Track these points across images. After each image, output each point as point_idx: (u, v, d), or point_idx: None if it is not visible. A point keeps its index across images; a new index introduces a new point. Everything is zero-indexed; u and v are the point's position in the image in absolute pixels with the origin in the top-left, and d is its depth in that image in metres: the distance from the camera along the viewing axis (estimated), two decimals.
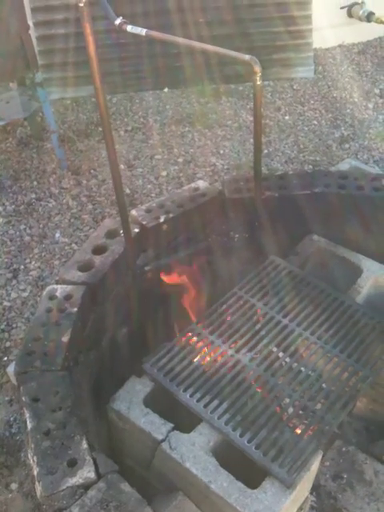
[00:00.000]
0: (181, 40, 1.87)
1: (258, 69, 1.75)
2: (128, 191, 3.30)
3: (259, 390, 1.77)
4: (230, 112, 3.97)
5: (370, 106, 4.07)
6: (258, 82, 1.80)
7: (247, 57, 1.75)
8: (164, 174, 3.44)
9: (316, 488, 1.83)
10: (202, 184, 2.35)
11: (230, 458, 1.63)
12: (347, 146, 3.65)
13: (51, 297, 1.88)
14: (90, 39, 1.51)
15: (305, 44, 4.38)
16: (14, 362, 1.73)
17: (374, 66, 4.52)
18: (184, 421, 1.72)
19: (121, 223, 1.88)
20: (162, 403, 1.77)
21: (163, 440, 1.65)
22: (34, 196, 3.29)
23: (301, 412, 1.73)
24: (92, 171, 3.46)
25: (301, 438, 1.64)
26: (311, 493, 1.81)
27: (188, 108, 4.02)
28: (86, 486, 1.41)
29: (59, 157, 3.43)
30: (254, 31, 4.22)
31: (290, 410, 1.73)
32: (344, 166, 3.24)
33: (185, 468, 1.59)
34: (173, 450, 1.63)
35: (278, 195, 2.26)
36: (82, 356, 1.83)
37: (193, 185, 2.35)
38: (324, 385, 1.80)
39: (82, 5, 1.45)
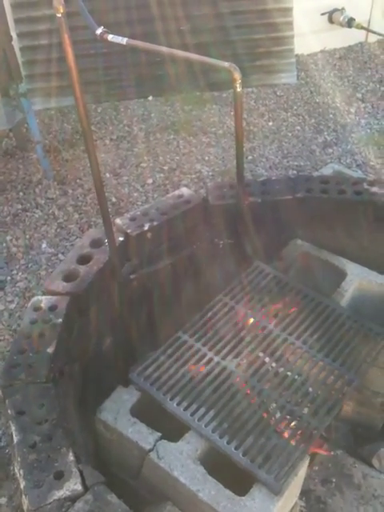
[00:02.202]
0: (161, 48, 1.88)
1: (237, 76, 1.76)
2: (114, 199, 3.30)
3: (246, 396, 1.77)
4: (214, 119, 4.00)
5: (352, 110, 4.11)
6: (238, 89, 1.81)
7: (226, 64, 1.76)
8: (150, 181, 3.45)
9: (305, 493, 1.83)
10: (185, 191, 2.36)
11: (218, 466, 1.63)
12: (330, 150, 3.68)
13: (36, 308, 1.87)
14: (69, 50, 1.51)
15: (287, 50, 4.42)
16: None
17: (356, 71, 4.57)
18: (172, 430, 1.71)
19: (105, 232, 1.87)
20: (150, 412, 1.76)
21: (151, 449, 1.65)
22: (20, 207, 3.28)
23: (287, 417, 1.73)
24: (78, 180, 3.46)
25: (288, 444, 1.64)
26: (300, 498, 1.81)
27: (172, 116, 4.04)
28: (73, 499, 1.40)
29: (44, 167, 3.43)
30: (237, 38, 4.25)
31: (277, 415, 1.73)
32: (327, 170, 3.27)
33: (173, 477, 1.58)
34: (160, 459, 1.62)
35: (260, 201, 2.27)
36: (68, 367, 1.82)
37: (177, 192, 2.35)
38: (310, 389, 1.80)
39: (59, 15, 1.45)
